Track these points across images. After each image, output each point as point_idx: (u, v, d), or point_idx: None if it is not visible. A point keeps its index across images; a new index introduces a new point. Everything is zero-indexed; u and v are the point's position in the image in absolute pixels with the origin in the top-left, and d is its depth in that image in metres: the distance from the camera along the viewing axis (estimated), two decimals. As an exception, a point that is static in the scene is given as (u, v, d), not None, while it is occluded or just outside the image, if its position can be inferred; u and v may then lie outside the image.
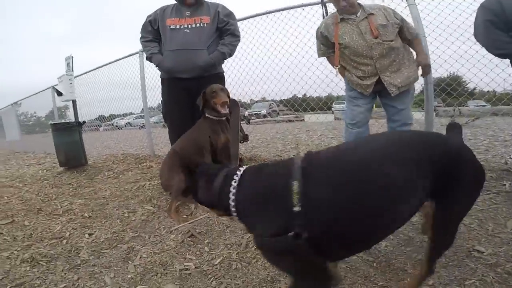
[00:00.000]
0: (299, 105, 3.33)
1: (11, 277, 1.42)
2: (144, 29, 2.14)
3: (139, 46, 3.40)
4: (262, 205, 0.80)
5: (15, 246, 1.70)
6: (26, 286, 1.35)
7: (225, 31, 2.03)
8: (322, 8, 2.41)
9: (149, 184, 2.59)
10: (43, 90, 6.50)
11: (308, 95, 3.40)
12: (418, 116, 2.50)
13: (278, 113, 9.20)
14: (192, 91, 2.00)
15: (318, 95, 3.20)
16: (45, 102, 6.99)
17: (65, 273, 1.43)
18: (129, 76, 4.28)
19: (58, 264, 1.51)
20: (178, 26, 2.01)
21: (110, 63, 4.60)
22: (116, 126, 7.07)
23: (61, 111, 6.74)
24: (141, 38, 2.15)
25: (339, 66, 2.03)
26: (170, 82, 2.10)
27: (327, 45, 2.06)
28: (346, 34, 1.93)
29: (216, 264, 1.37)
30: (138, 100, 4.22)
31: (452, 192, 0.82)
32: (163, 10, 2.11)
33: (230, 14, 2.13)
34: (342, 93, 2.45)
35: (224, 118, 1.98)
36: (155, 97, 3.92)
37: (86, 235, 1.76)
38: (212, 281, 1.27)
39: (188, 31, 2.00)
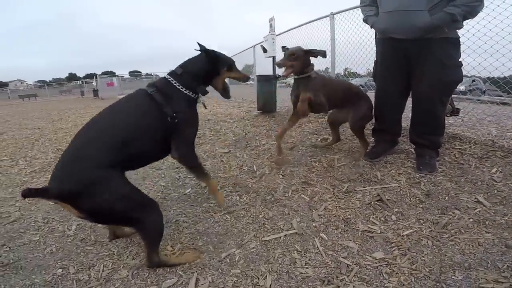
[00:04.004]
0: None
1: (225, 205, 1.75)
2: None
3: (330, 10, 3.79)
4: None
5: (228, 174, 2.22)
6: (234, 215, 1.65)
7: None
8: None
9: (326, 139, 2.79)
10: (245, 50, 7.87)
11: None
12: None
13: (484, 92, 7.12)
14: (409, 52, 1.89)
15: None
16: (241, 59, 8.49)
17: (262, 208, 1.68)
18: (318, 39, 4.44)
19: (258, 198, 1.81)
20: None
21: (301, 25, 4.87)
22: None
23: (249, 68, 8.05)
24: (360, 3, 2.23)
25: None
26: (385, 42, 2.06)
27: None
28: None
29: (403, 235, 1.35)
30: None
31: None
32: None
33: None
34: None
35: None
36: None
37: (281, 176, 2.09)
38: (394, 249, 1.26)
39: None
